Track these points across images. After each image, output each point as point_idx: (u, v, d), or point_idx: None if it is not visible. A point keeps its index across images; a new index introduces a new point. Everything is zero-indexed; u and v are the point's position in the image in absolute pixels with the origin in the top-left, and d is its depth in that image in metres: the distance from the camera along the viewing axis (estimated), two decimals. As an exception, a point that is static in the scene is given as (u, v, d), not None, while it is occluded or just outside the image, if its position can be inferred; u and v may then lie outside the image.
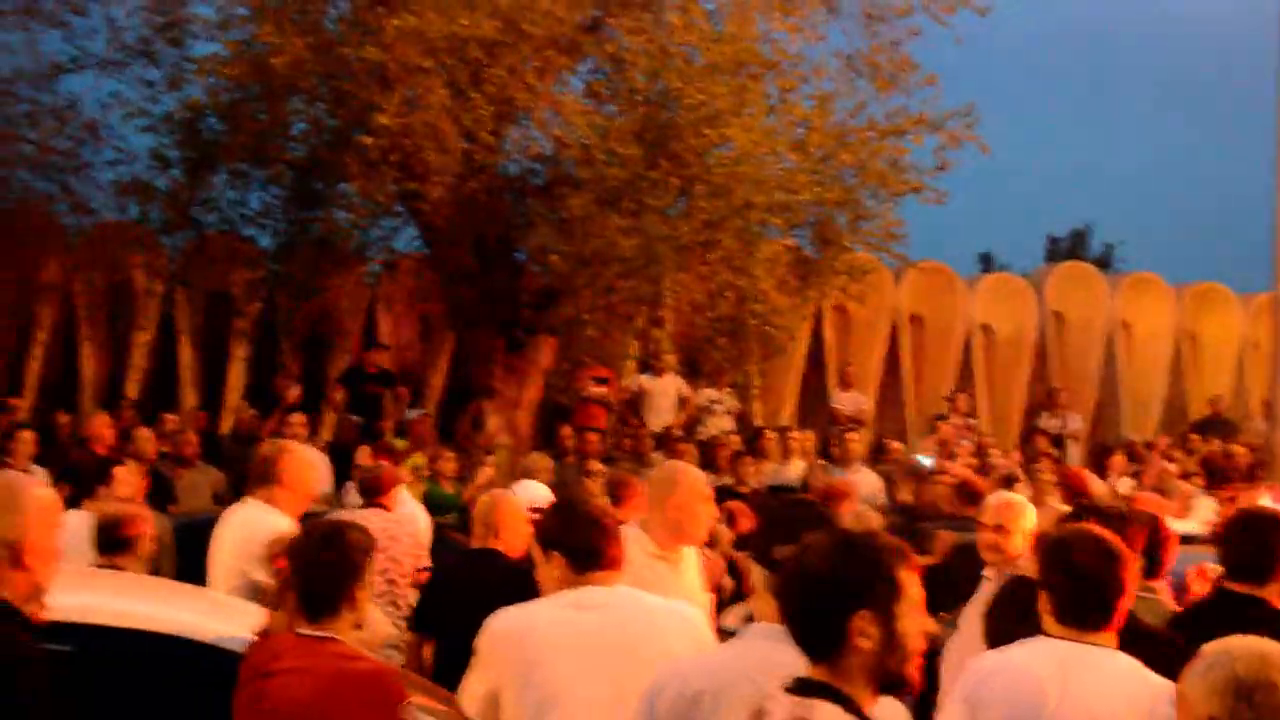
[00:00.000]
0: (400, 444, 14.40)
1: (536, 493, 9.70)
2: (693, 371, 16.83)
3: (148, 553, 7.33)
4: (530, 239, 13.77)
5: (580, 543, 4.87)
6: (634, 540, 5.80)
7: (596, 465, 13.24)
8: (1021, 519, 6.86)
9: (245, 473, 9.81)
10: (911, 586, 3.38)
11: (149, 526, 7.35)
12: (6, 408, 14.33)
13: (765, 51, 13.50)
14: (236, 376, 17.76)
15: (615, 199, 12.88)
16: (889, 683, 3.37)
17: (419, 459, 13.64)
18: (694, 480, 6.33)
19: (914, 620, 3.37)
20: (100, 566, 6.92)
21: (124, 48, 14.13)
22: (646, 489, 6.61)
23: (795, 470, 14.74)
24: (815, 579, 3.38)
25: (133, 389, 17.40)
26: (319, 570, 4.78)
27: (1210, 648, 3.39)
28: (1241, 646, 3.39)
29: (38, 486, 4.04)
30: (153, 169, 14.63)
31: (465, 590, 6.83)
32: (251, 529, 6.67)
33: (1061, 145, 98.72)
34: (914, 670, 3.38)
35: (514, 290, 14.45)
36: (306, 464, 7.20)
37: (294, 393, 16.48)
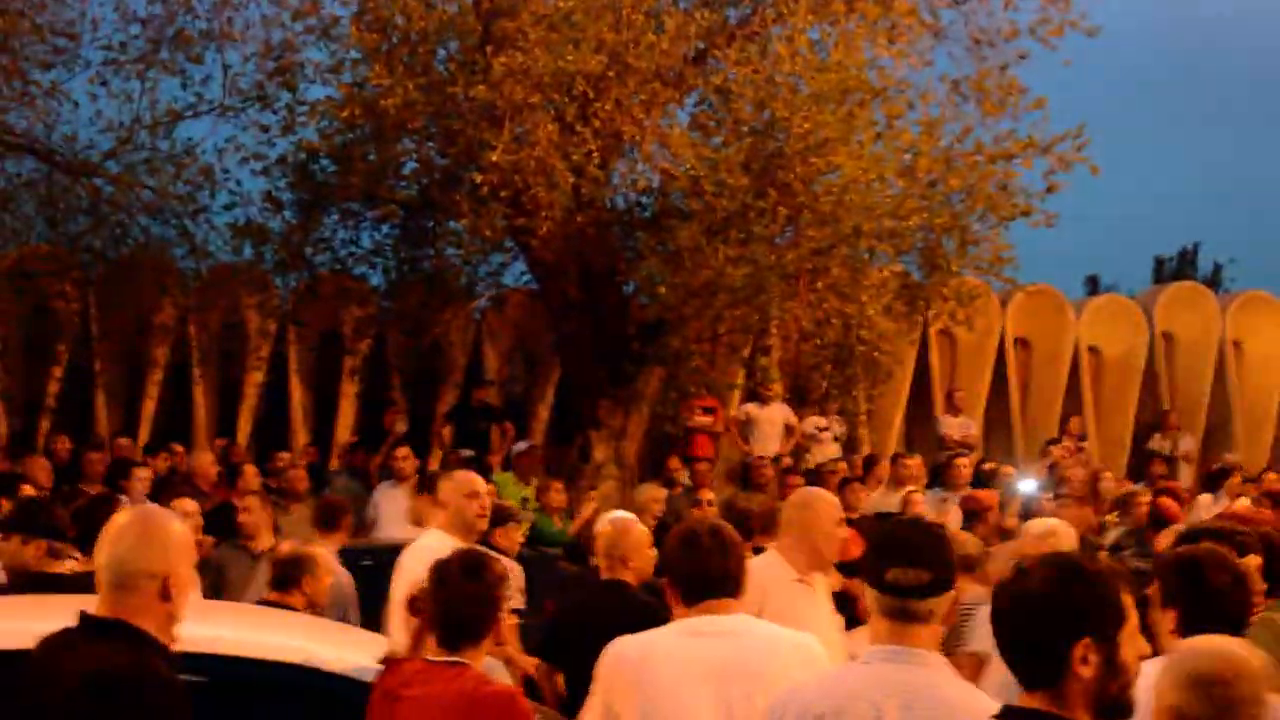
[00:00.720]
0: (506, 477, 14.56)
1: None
2: (799, 399, 16.83)
3: (320, 590, 7.59)
4: (638, 271, 13.85)
5: (694, 571, 4.92)
6: (775, 566, 5.87)
7: (708, 494, 13.28)
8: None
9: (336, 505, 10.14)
10: (1131, 612, 3.39)
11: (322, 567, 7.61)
12: (117, 446, 14.63)
13: (871, 78, 13.47)
14: (346, 414, 17.97)
15: (723, 229, 12.92)
16: (1109, 709, 3.36)
17: (528, 491, 13.73)
18: (831, 506, 6.44)
19: (1133, 646, 3.38)
20: (270, 603, 7.14)
21: (239, 93, 14.41)
22: (782, 515, 6.67)
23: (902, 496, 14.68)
24: (1038, 605, 3.38)
25: (245, 428, 17.69)
26: (463, 599, 4.87)
27: (1182, 645, 3.49)
28: (1209, 644, 3.60)
29: (178, 520, 4.12)
30: (266, 211, 14.89)
31: (596, 620, 6.88)
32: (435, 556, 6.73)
33: (1169, 165, 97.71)
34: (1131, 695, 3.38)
35: (621, 322, 14.53)
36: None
37: (401, 427, 16.69)
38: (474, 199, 13.19)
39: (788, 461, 15.95)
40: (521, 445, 15.91)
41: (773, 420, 16.59)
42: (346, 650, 5.52)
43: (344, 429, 17.73)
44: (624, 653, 4.86)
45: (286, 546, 8.39)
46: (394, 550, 7.69)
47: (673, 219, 13.49)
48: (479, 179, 12.77)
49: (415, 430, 17.40)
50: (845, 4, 13.60)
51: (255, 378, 17.60)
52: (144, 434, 17.00)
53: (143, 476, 12.48)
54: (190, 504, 9.94)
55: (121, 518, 4.03)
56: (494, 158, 12.55)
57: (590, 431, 14.52)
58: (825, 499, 6.56)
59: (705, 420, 16.76)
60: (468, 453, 15.69)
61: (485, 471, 14.76)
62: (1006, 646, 3.44)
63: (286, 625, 6.40)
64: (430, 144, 14.07)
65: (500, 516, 9.51)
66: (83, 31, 14.61)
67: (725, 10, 14.22)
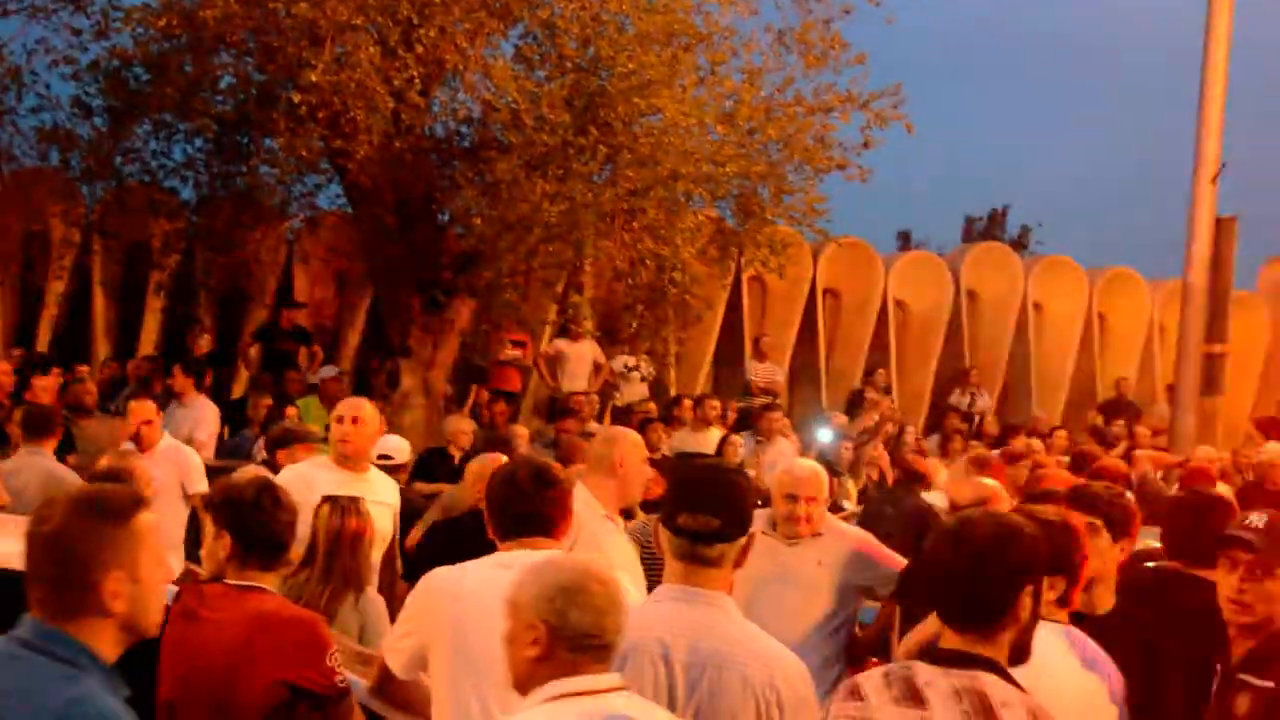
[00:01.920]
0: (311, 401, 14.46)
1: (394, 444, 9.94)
2: (609, 338, 16.92)
3: None
4: (454, 201, 13.77)
5: (508, 508, 4.91)
6: (584, 502, 5.92)
7: (518, 429, 13.34)
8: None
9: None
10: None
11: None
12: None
13: (698, 23, 13.56)
14: (150, 329, 17.66)
15: (542, 164, 12.89)
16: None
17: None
18: (636, 443, 6.50)
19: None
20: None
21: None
22: (589, 452, 6.70)
23: (710, 438, 14.88)
24: (988, 553, 3.64)
25: (44, 338, 17.28)
26: (256, 523, 4.86)
27: (534, 562, 3.68)
28: (566, 558, 3.80)
29: None
30: (75, 117, 14.46)
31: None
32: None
33: (983, 127, 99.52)
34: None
35: (435, 251, 14.44)
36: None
37: (204, 345, 16.47)
38: (291, 118, 12.97)
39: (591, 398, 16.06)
40: (330, 370, 15.82)
41: (582, 357, 16.68)
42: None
43: (147, 344, 17.41)
44: (441, 585, 4.87)
45: (105, 460, 8.09)
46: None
47: (491, 151, 13.41)
48: (297, 98, 12.57)
49: (222, 349, 17.19)
50: (676, -53, 13.61)
51: (57, 287, 17.21)
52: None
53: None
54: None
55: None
56: (314, 77, 12.35)
57: (400, 359, 14.43)
58: (631, 437, 6.61)
59: (514, 353, 16.81)
60: (332, 370, 15.59)
61: (289, 395, 14.70)
62: (948, 587, 3.68)
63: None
64: (248, 59, 13.79)
65: (291, 437, 9.45)
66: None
67: (555, -56, 14.12)
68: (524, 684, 3.56)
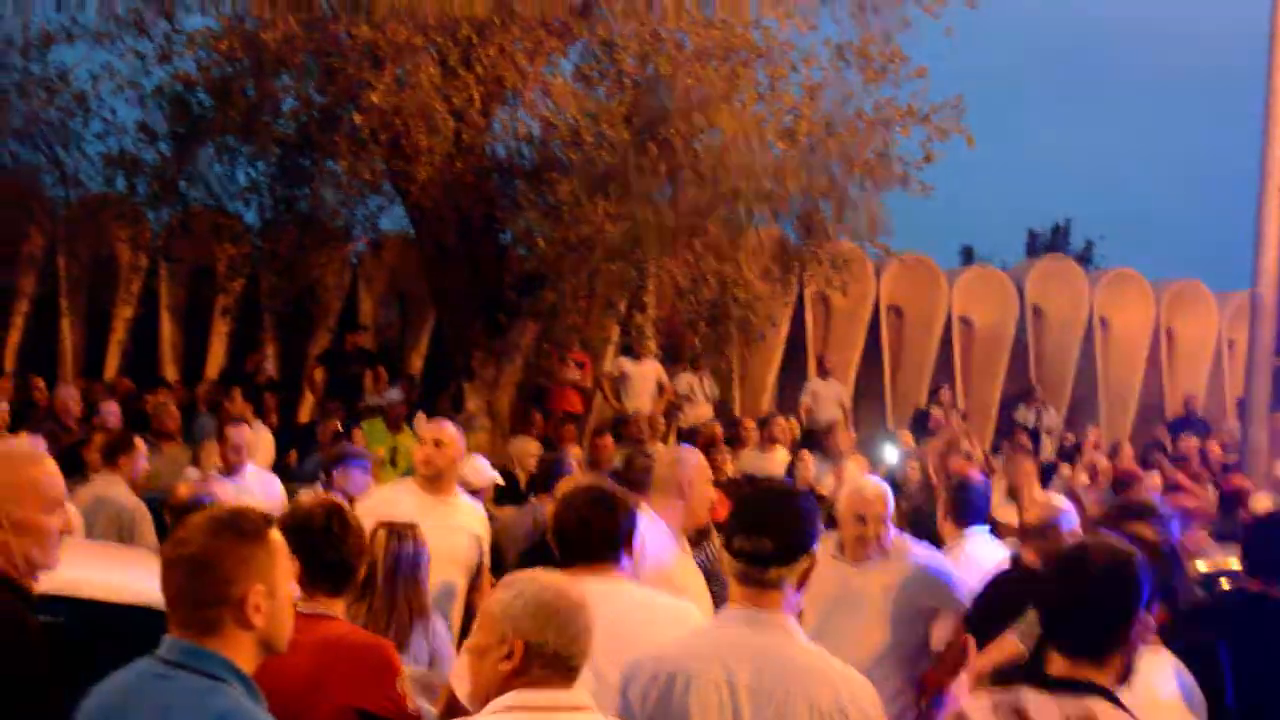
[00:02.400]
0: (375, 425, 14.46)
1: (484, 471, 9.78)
2: (672, 358, 16.88)
3: None
4: (516, 222, 13.80)
5: (570, 533, 4.88)
6: (650, 525, 5.84)
7: (576, 450, 13.29)
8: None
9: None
10: None
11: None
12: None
13: (756, 38, 13.51)
14: (217, 353, 17.77)
15: (602, 183, 12.90)
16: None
17: (397, 440, 13.66)
18: (700, 464, 6.44)
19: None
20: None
21: (115, 19, 14.08)
22: (655, 474, 6.60)
23: (776, 458, 14.79)
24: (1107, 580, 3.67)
25: (113, 363, 17.42)
26: (326, 547, 4.83)
27: (514, 577, 3.73)
28: (547, 576, 3.74)
29: (28, 459, 4.00)
30: (140, 142, 14.60)
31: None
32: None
33: (1046, 141, 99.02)
34: None
35: (498, 272, 14.47)
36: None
37: (265, 370, 16.54)
38: (353, 140, 13.05)
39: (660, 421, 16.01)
40: (394, 393, 15.84)
41: (645, 377, 16.62)
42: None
43: (214, 368, 17.52)
44: None
45: (184, 489, 8.02)
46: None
47: (553, 172, 13.44)
48: (359, 120, 12.64)
49: (288, 372, 17.27)
50: (733, -38, 13.60)
51: (125, 312, 17.33)
52: (9, 363, 16.69)
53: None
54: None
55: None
56: (375, 98, 12.44)
57: (464, 382, 14.44)
58: (696, 458, 6.54)
59: (575, 375, 16.78)
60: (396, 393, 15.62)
61: (356, 417, 14.73)
62: (1062, 615, 3.70)
63: (145, 566, 6.29)
64: (310, 81, 13.87)
65: (346, 456, 9.38)
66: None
67: (614, -38, 14.14)
68: (487, 696, 3.59)
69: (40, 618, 4.10)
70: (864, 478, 7.73)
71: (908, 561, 6.76)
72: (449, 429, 7.76)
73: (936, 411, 18.46)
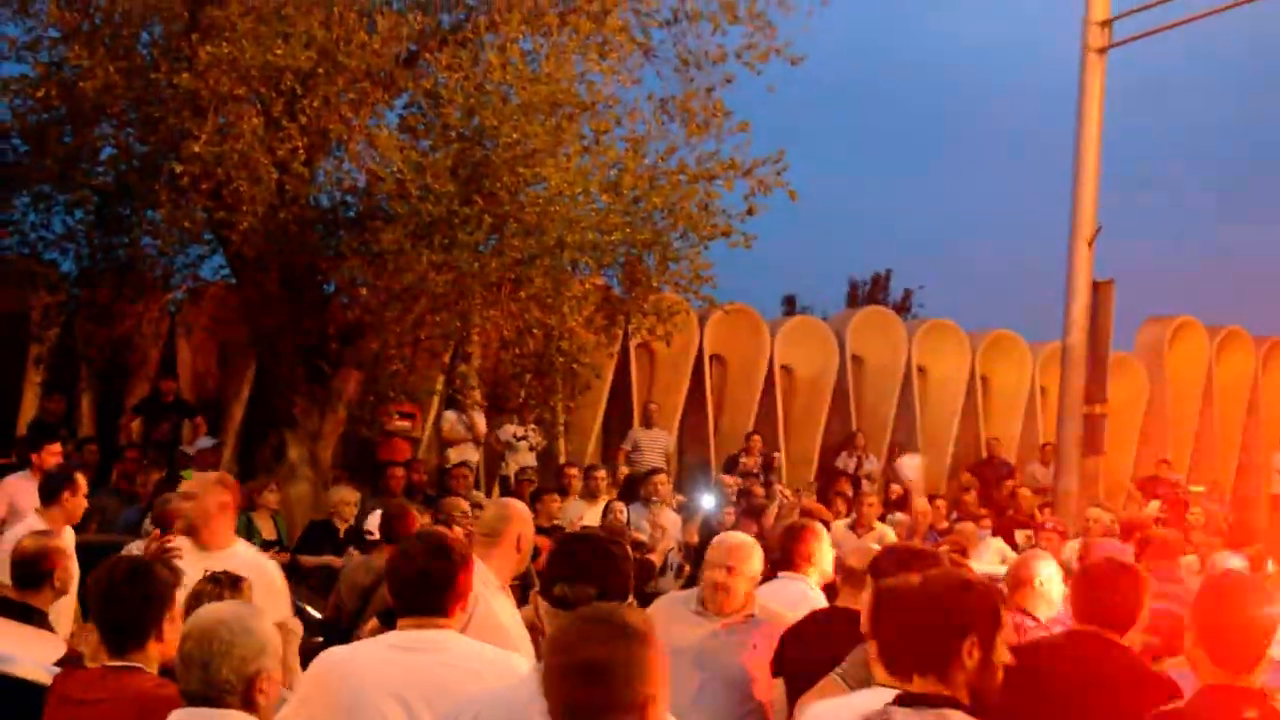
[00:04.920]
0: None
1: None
2: (497, 407, 16.88)
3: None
4: (339, 271, 13.73)
5: (405, 583, 4.87)
6: (479, 575, 5.86)
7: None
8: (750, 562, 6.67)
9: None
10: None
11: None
12: None
13: (581, 92, 13.57)
14: (30, 403, 17.35)
15: (427, 234, 12.88)
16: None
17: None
18: (526, 514, 6.51)
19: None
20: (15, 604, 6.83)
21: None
22: (482, 524, 6.60)
23: (598, 508, 14.88)
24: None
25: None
26: (122, 604, 4.81)
27: None
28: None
29: None
30: (-50, 190, 14.28)
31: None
32: None
33: (866, 193, 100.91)
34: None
35: (320, 321, 14.37)
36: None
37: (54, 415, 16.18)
38: (174, 189, 12.90)
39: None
40: (206, 441, 15.65)
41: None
42: (27, 651, 5.35)
43: (26, 417, 17.10)
44: (331, 663, 4.82)
45: (29, 541, 7.78)
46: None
47: (377, 220, 13.40)
48: (179, 169, 12.50)
49: (104, 422, 16.94)
50: (558, 17, 13.67)
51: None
52: None
53: None
54: None
55: None
56: (196, 148, 12.31)
57: (285, 431, 14.29)
58: (521, 507, 6.64)
59: (403, 424, 16.74)
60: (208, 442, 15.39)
61: (175, 466, 14.51)
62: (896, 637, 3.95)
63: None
64: (129, 130, 13.70)
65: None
66: None
67: (439, 15, 14.14)
68: None
69: None
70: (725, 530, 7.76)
71: (774, 627, 6.57)
72: (202, 480, 7.65)
73: (745, 460, 18.72)
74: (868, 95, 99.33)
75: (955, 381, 22.26)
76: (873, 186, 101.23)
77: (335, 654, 4.88)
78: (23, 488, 11.39)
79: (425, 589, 4.80)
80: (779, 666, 6.34)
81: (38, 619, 6.80)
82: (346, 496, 13.02)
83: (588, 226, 13.26)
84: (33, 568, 7.00)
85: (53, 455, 12.35)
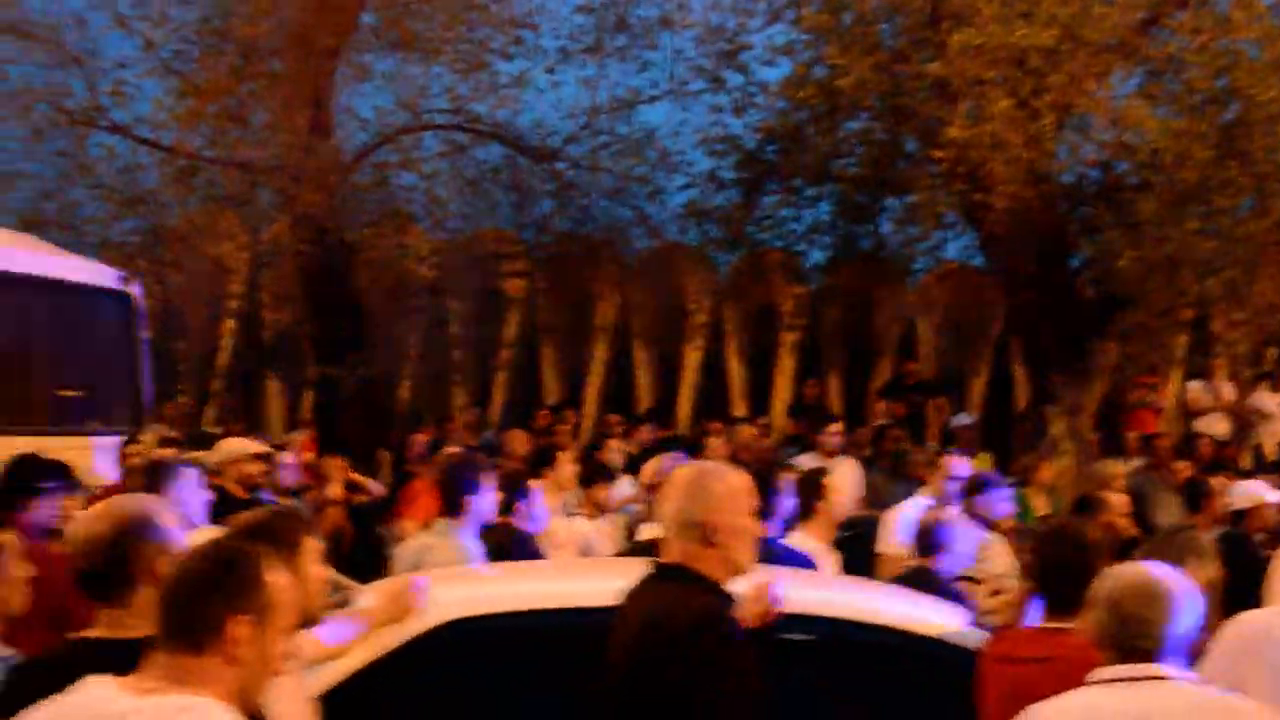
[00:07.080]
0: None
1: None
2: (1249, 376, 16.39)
3: None
4: (1093, 244, 13.69)
5: None
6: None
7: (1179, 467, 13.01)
8: None
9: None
10: None
11: None
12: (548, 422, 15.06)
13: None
14: (782, 389, 18.26)
15: (1184, 201, 12.67)
16: None
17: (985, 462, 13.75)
18: None
19: None
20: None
21: (698, 73, 14.74)
22: None
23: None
24: None
25: (684, 405, 18.15)
26: (1063, 568, 5.01)
27: None
28: None
29: (729, 474, 4.40)
30: (708, 190, 15.24)
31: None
32: None
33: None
34: None
35: (1072, 296, 14.35)
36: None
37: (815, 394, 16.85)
38: (930, 175, 13.26)
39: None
40: (963, 419, 15.93)
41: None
42: (940, 615, 5.63)
43: (780, 403, 18.03)
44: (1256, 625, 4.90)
45: None
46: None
47: (1125, 191, 13.30)
48: (938, 155, 12.84)
49: (851, 404, 17.62)
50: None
51: (694, 355, 18.06)
52: (590, 406, 17.74)
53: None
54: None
55: (682, 472, 4.42)
56: (952, 134, 12.59)
57: (1045, 407, 14.36)
58: None
59: (1149, 395, 16.48)
60: (965, 418, 15.76)
61: (943, 443, 14.90)
62: None
63: (885, 591, 6.61)
64: (878, 122, 14.19)
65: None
66: (540, 22, 15.22)
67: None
68: None
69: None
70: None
71: None
72: None
73: None
74: None
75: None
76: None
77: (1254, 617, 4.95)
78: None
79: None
80: None
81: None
82: (1115, 469, 12.90)
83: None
84: None
85: (834, 435, 13.10)
